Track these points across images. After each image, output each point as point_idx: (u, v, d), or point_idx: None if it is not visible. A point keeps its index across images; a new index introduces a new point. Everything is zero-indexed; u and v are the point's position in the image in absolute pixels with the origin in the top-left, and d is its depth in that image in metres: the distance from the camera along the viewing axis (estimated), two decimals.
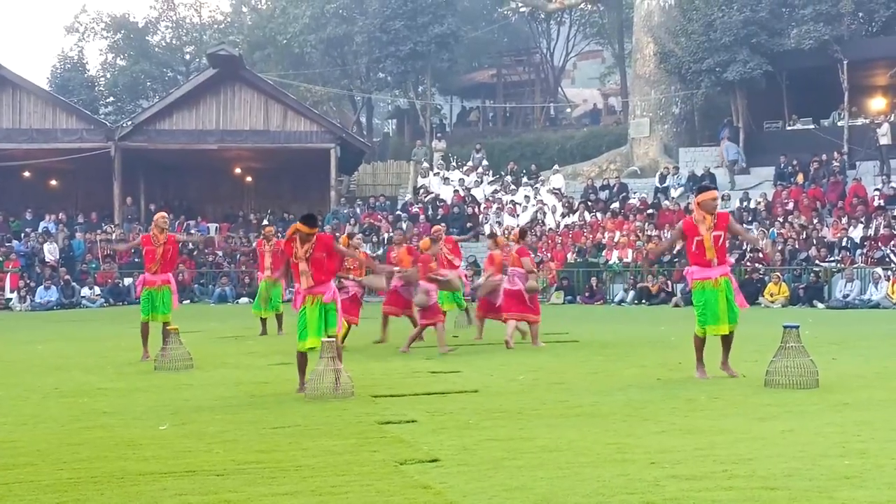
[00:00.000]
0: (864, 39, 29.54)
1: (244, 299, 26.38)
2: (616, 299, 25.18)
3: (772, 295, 22.43)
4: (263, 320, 16.15)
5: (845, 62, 28.25)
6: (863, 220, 24.49)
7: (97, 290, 27.57)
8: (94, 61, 48.79)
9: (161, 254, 12.40)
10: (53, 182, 34.99)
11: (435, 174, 33.34)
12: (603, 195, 30.55)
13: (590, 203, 29.85)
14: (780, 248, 23.93)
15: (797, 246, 24.08)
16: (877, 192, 25.86)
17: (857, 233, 24.08)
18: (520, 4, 43.13)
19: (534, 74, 45.57)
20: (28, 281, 27.32)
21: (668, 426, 6.99)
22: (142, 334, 12.47)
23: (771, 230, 24.83)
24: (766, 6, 29.07)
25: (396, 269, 13.53)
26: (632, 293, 24.79)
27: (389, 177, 37.50)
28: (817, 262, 23.25)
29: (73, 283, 27.36)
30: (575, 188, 32.45)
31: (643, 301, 24.35)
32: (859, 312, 20.29)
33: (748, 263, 23.76)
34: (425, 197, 31.75)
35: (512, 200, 30.41)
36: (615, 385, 9.28)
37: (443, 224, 21.00)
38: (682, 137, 33.11)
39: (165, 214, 13.23)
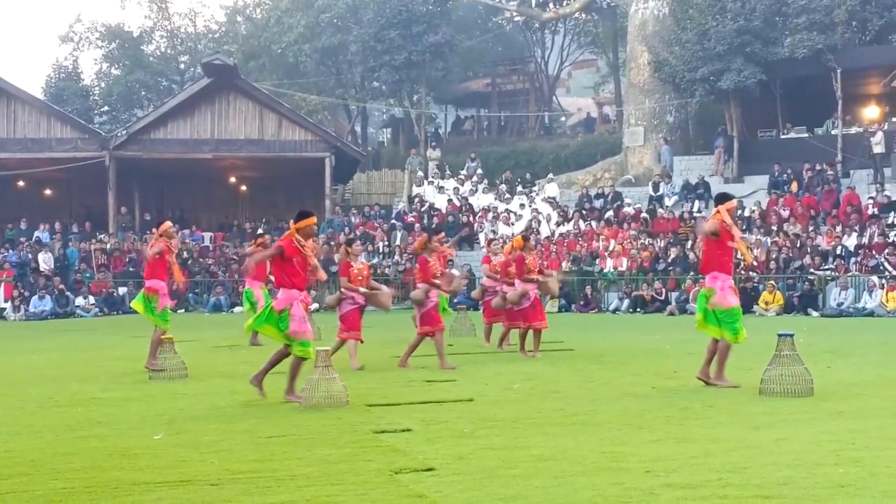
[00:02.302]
0: (857, 48, 29.65)
1: (239, 308, 26.33)
2: (611, 308, 25.23)
3: (766, 303, 22.47)
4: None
5: (839, 71, 28.35)
6: (857, 228, 24.56)
7: (91, 299, 27.51)
8: (89, 71, 48.92)
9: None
10: (48, 191, 35.00)
11: (430, 183, 33.34)
12: (597, 204, 30.64)
13: (584, 211, 29.92)
14: (774, 256, 24.00)
15: (791, 254, 24.12)
16: (871, 201, 25.94)
17: (851, 241, 24.14)
18: (514, 14, 43.21)
19: (528, 83, 45.71)
20: (22, 290, 27.28)
21: (663, 435, 6.99)
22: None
23: (765, 238, 24.89)
24: (760, 15, 29.16)
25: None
26: (626, 302, 24.85)
27: (384, 186, 37.65)
28: (812, 270, 23.29)
29: (68, 293, 27.32)
30: (569, 197, 32.52)
31: (638, 310, 24.40)
32: (854, 321, 20.33)
33: (742, 271, 23.77)
34: (420, 206, 31.75)
35: (507, 209, 30.44)
36: (610, 394, 9.28)
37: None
38: (677, 146, 33.15)
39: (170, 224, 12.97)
